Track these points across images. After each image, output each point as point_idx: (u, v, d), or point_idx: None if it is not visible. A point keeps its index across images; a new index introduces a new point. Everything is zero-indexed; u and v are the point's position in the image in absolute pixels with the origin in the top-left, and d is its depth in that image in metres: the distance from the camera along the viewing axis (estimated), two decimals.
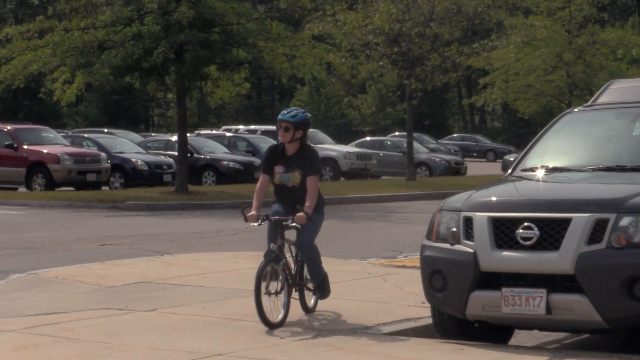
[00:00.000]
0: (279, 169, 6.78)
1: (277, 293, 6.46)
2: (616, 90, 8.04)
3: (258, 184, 6.91)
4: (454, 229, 6.12)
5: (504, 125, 68.56)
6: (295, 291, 6.92)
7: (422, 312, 7.22)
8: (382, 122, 53.88)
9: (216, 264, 11.22)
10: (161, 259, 11.65)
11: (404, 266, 11.02)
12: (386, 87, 38.73)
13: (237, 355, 5.95)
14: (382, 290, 9.16)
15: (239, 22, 21.29)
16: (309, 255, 6.88)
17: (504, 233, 5.78)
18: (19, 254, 12.86)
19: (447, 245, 6.18)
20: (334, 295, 7.70)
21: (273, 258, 6.46)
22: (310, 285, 7.03)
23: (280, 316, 6.43)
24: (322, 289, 7.10)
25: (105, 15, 21.88)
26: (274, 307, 6.42)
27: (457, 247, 6.06)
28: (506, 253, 5.73)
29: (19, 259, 12.19)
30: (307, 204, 6.60)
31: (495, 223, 5.80)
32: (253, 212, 6.56)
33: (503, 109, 53.17)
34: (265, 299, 6.26)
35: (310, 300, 7.04)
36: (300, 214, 6.45)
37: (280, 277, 6.50)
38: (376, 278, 9.97)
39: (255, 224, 6.63)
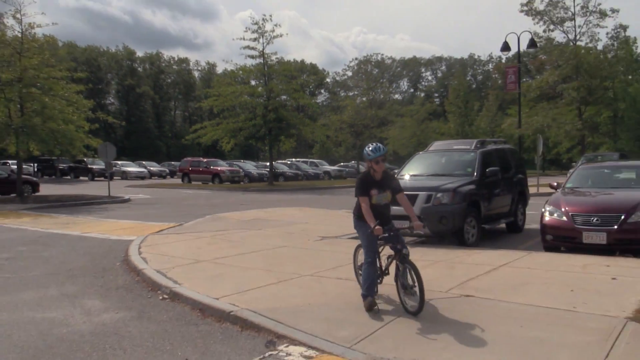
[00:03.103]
0: (374, 192, 6.83)
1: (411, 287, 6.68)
2: (437, 145, 15.76)
3: (365, 205, 6.76)
4: None
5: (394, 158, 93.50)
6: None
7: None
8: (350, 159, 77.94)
9: (287, 211, 19.20)
10: (264, 210, 19.85)
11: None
12: (347, 144, 65.14)
13: (294, 246, 11.82)
14: (345, 222, 15.56)
15: (293, 119, 40.46)
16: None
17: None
18: (209, 207, 22.64)
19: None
20: (318, 224, 15.46)
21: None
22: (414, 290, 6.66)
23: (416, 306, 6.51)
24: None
25: (242, 117, 40.55)
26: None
27: None
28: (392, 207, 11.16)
29: (210, 210, 21.27)
30: (412, 214, 6.98)
31: None
32: (379, 227, 6.51)
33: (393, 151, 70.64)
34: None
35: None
36: (419, 222, 6.82)
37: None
38: (342, 218, 17.17)
39: (384, 234, 6.71)
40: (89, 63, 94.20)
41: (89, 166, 51.58)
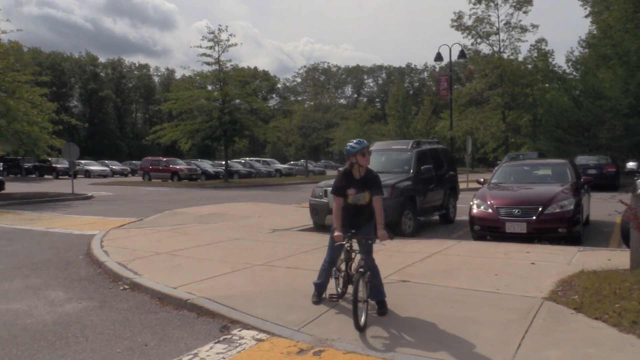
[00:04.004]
0: (351, 191, 5.91)
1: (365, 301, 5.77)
2: (377, 145, 15.45)
3: (335, 207, 5.93)
4: (320, 193, 11.51)
5: (339, 157, 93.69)
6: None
7: (310, 223, 13.57)
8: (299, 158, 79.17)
9: (241, 206, 19.04)
10: (220, 205, 19.61)
11: (303, 207, 18.11)
12: (296, 144, 67.95)
13: (247, 238, 11.73)
14: (294, 216, 15.78)
15: (247, 121, 39.61)
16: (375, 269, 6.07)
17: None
18: (169, 203, 22.45)
19: (318, 199, 10.95)
20: (269, 217, 14.36)
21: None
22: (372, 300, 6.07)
23: (363, 320, 5.56)
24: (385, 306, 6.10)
25: (199, 119, 39.94)
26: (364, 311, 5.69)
27: (322, 200, 10.73)
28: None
29: (168, 205, 21.08)
30: (380, 222, 5.85)
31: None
32: (339, 233, 5.77)
33: (339, 151, 74.05)
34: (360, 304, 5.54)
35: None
36: (383, 232, 5.72)
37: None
38: (292, 212, 17.08)
39: (344, 242, 5.94)
40: (54, 68, 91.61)
41: (54, 165, 49.89)
